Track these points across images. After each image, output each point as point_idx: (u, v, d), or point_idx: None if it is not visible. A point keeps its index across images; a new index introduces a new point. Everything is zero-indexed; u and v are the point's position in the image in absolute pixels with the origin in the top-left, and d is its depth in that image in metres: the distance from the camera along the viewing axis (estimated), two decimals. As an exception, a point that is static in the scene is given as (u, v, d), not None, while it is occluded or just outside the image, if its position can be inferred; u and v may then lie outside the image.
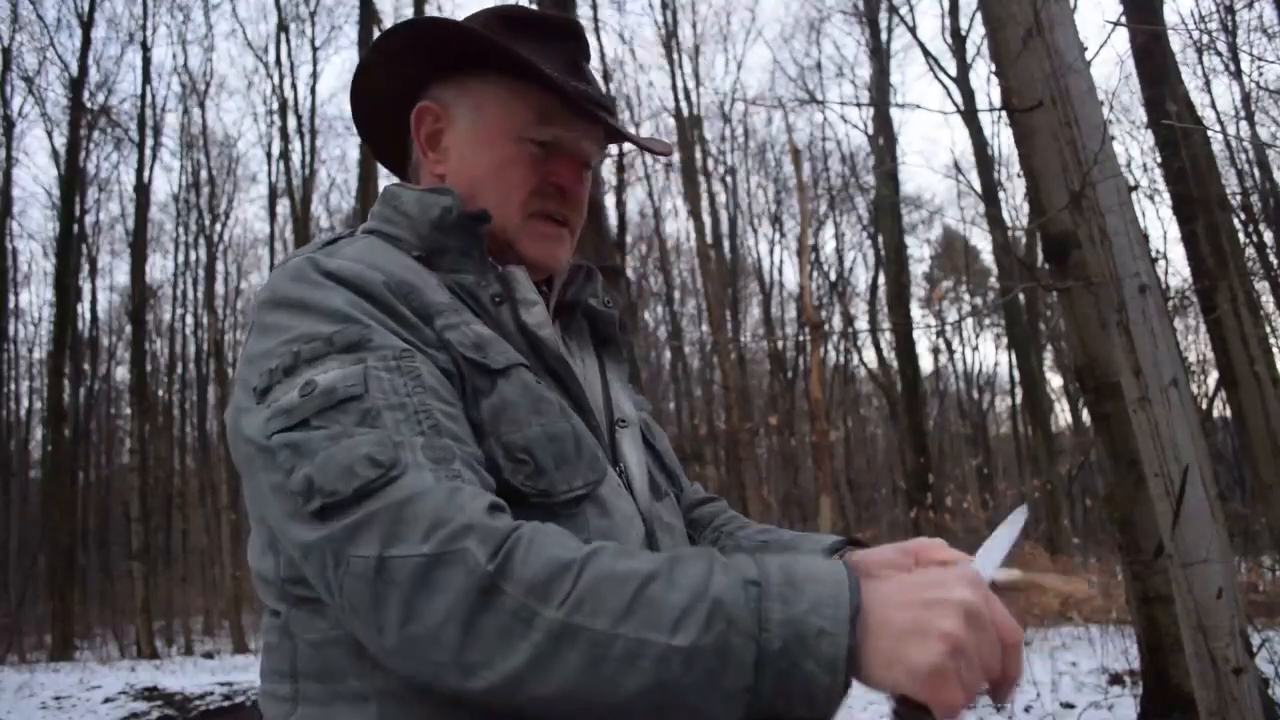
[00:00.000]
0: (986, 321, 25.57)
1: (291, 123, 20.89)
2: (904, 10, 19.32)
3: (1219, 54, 10.96)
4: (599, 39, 19.85)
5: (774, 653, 0.64)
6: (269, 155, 23.61)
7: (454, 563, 0.67)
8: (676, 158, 19.47)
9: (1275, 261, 10.69)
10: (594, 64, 1.14)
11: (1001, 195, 19.83)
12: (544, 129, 0.98)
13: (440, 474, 0.72)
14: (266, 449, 0.76)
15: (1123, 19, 5.71)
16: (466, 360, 0.84)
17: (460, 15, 1.04)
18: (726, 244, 23.89)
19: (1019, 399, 22.64)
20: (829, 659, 0.64)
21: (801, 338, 20.39)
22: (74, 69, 18.23)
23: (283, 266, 0.87)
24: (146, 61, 19.41)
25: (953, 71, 17.76)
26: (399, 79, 1.02)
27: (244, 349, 0.84)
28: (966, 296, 27.64)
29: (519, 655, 0.65)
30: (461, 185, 0.98)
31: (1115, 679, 6.55)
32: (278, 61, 21.21)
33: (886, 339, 21.52)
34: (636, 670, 0.64)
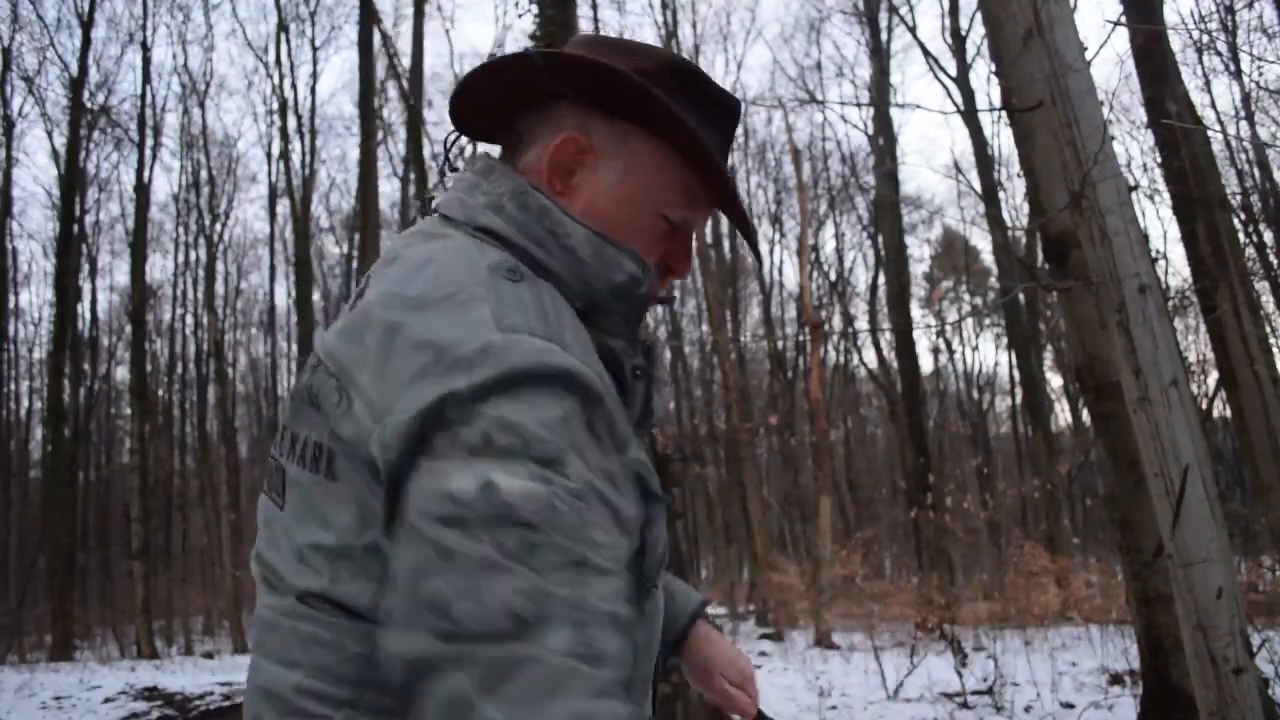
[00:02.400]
0: (986, 321, 25.59)
1: (291, 123, 20.94)
2: (904, 10, 19.34)
3: (1219, 54, 10.97)
4: (599, 39, 19.83)
5: None
6: (269, 155, 23.69)
7: None
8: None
9: (1275, 261, 10.69)
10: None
11: (1001, 195, 19.87)
12: (682, 211, 0.96)
13: (579, 640, 0.70)
14: (413, 526, 0.73)
15: (1123, 19, 5.70)
16: (647, 493, 0.83)
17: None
18: (726, 244, 23.91)
19: (1019, 399, 22.66)
20: None
21: (801, 338, 20.40)
22: (74, 69, 18.25)
23: (512, 339, 0.77)
24: (146, 61, 19.43)
25: (953, 71, 17.78)
26: (545, 88, 0.95)
27: (440, 393, 0.74)
28: (966, 296, 27.67)
29: None
30: None
31: (1115, 679, 6.55)
32: (278, 61, 21.26)
33: (886, 339, 21.53)
34: None
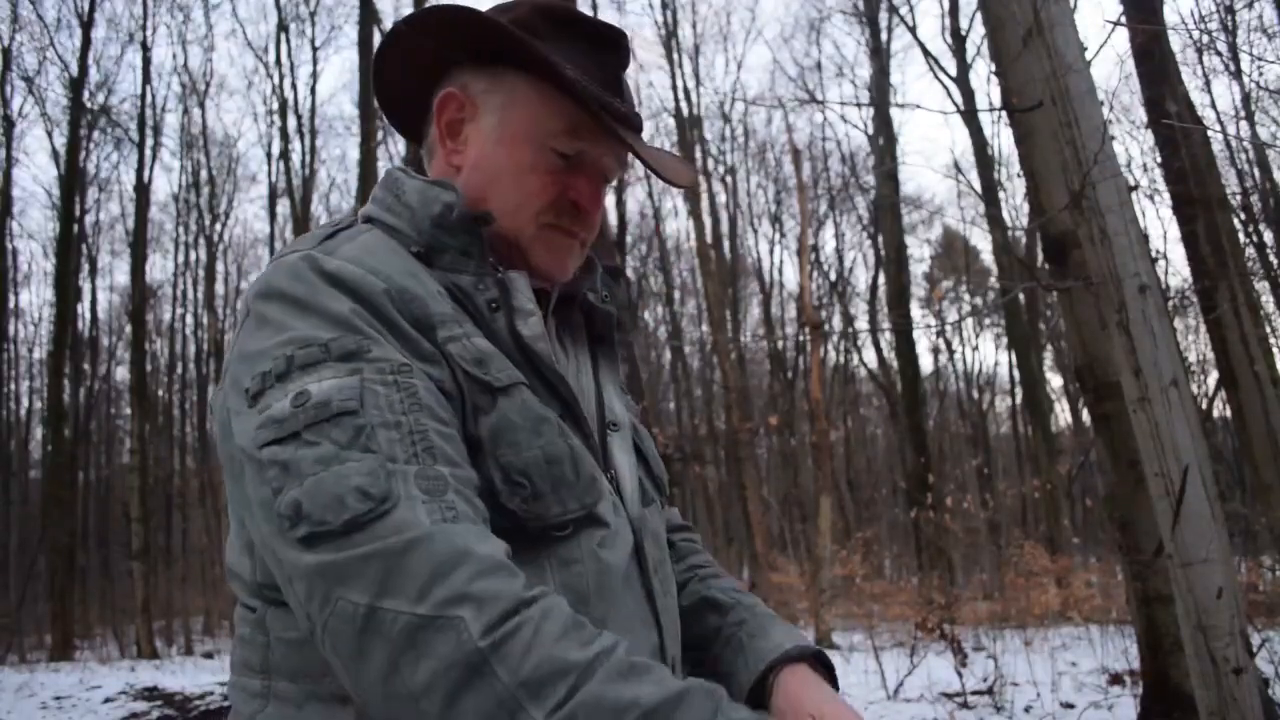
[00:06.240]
0: (986, 321, 25.58)
1: (291, 123, 20.94)
2: (904, 10, 19.35)
3: (1219, 54, 10.96)
4: (599, 39, 19.81)
5: None
6: (269, 155, 23.68)
7: (445, 629, 0.66)
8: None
9: (1275, 261, 10.70)
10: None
11: (1001, 195, 19.86)
12: (571, 142, 0.94)
13: (434, 508, 0.71)
14: (256, 460, 0.74)
15: (1123, 19, 5.71)
16: (467, 376, 0.82)
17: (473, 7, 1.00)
18: (726, 244, 23.91)
19: (1019, 399, 22.66)
20: None
21: (801, 338, 20.39)
22: (74, 69, 18.23)
23: (280, 261, 0.83)
24: (146, 61, 19.42)
25: (953, 71, 17.78)
26: (428, 56, 0.98)
27: (237, 341, 0.82)
28: (966, 296, 27.65)
29: None
30: (476, 182, 0.95)
31: (1115, 679, 6.54)
32: (278, 61, 21.27)
33: (886, 339, 21.53)
34: None
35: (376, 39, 17.25)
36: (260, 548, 0.76)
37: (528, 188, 0.93)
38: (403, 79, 1.01)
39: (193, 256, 24.02)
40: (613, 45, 0.97)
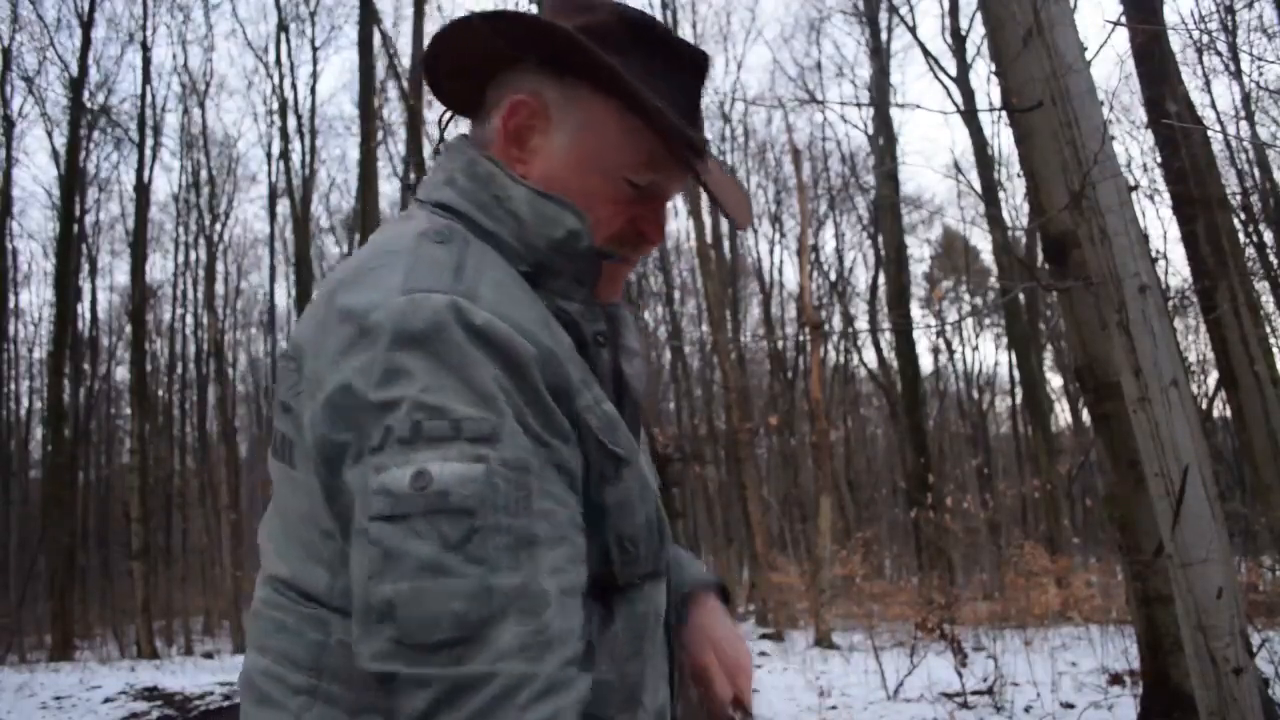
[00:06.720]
0: (986, 321, 25.59)
1: (291, 123, 20.95)
2: (904, 10, 19.36)
3: (1219, 54, 10.98)
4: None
5: None
6: (269, 155, 23.75)
7: None
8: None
9: (1275, 261, 10.71)
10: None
11: (1001, 195, 19.87)
12: (646, 173, 0.90)
13: (527, 635, 0.70)
14: (359, 527, 0.72)
15: (1123, 19, 5.71)
16: (599, 445, 0.81)
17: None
18: (726, 244, 23.89)
19: (1019, 399, 22.67)
20: None
21: (801, 338, 20.39)
22: (74, 69, 18.23)
23: (418, 299, 0.75)
24: (146, 61, 19.42)
25: (953, 71, 17.79)
26: (498, 47, 0.91)
27: (348, 360, 0.74)
28: (966, 296, 27.66)
29: None
30: None
31: (1115, 679, 6.54)
32: (278, 61, 21.28)
33: (886, 339, 21.54)
34: None
35: (376, 39, 17.31)
36: (354, 607, 0.74)
37: (597, 216, 0.89)
38: (466, 58, 0.94)
39: (193, 256, 24.02)
40: (695, 68, 0.91)
